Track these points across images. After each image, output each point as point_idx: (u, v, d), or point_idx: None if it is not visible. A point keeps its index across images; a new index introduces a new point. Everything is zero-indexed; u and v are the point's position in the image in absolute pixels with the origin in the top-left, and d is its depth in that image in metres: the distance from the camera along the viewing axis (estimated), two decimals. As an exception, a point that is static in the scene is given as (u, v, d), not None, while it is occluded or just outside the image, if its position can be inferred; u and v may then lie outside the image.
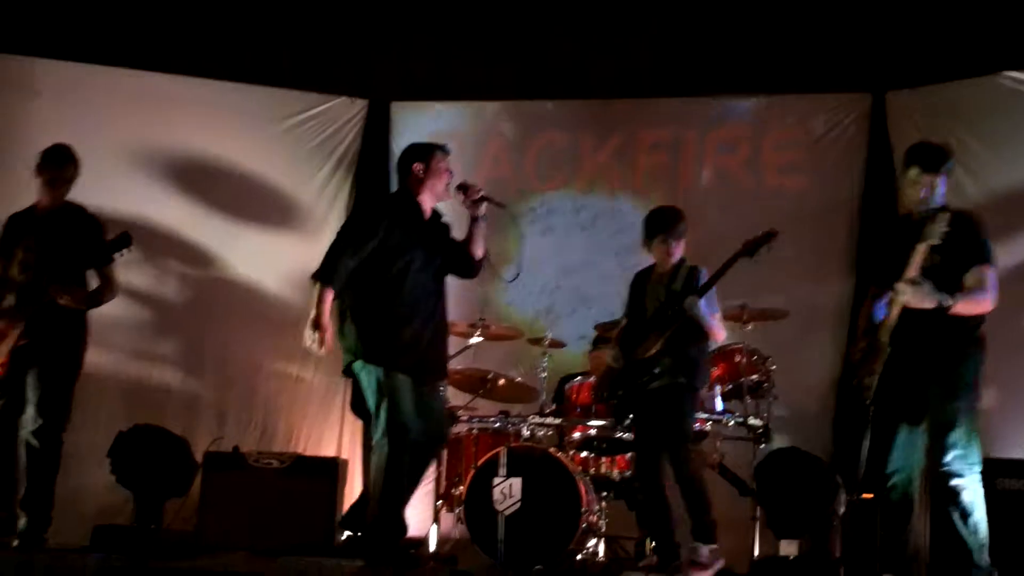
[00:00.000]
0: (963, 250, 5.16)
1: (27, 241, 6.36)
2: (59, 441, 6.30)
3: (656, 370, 6.05)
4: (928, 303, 5.08)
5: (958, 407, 5.20)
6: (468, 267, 6.04)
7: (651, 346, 6.09)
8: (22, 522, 6.24)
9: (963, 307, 5.14)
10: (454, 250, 5.97)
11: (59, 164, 6.47)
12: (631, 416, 6.27)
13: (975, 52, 7.84)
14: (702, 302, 6.01)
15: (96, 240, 6.34)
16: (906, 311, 5.19)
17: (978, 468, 5.22)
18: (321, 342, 5.48)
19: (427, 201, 5.88)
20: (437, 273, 5.88)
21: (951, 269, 5.16)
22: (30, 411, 6.21)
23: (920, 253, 5.12)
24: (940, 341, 5.20)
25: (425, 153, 5.92)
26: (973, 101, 7.83)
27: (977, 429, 5.26)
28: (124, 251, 6.28)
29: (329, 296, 5.52)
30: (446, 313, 5.94)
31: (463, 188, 5.96)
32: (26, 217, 6.50)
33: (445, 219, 6.03)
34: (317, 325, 5.47)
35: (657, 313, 6.15)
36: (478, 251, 5.99)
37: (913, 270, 5.12)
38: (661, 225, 6.26)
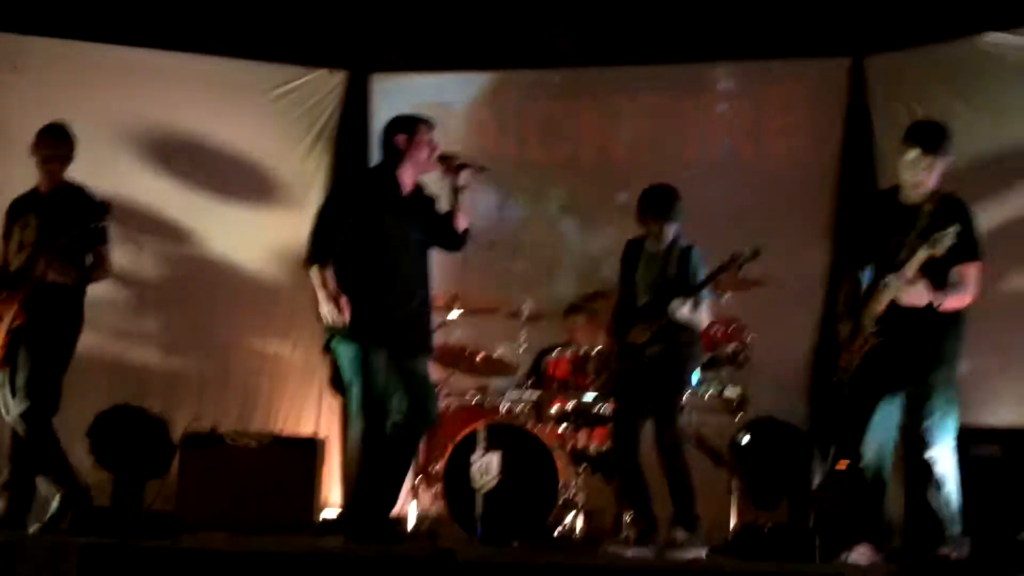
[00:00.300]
0: (957, 245, 5.09)
1: (26, 220, 6.33)
2: (46, 424, 6.24)
3: (645, 355, 6.06)
4: (918, 301, 5.11)
5: (936, 377, 5.24)
6: (453, 240, 5.99)
7: (641, 335, 6.09)
8: (1, 505, 6.25)
9: (950, 304, 5.18)
10: (438, 223, 5.93)
11: (53, 142, 6.44)
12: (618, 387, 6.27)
13: (955, 14, 7.73)
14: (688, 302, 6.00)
15: (86, 220, 6.25)
16: (892, 304, 5.22)
17: (953, 439, 5.22)
18: (340, 311, 5.47)
19: (408, 174, 5.83)
20: (419, 247, 5.84)
21: (942, 261, 5.14)
22: (17, 394, 6.19)
23: (920, 260, 5.09)
24: (922, 320, 5.21)
25: (408, 125, 5.86)
26: (954, 64, 7.74)
27: (955, 402, 5.26)
28: (102, 223, 6.23)
29: (329, 273, 5.52)
30: (430, 287, 5.90)
31: (443, 158, 5.89)
32: (28, 199, 6.47)
33: (429, 192, 5.99)
34: (331, 298, 5.48)
35: (648, 305, 6.14)
36: (462, 222, 5.94)
37: (911, 271, 5.11)
38: (657, 204, 6.22)
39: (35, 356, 6.18)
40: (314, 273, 5.54)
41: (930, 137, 5.36)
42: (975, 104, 7.62)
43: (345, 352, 5.63)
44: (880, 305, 5.27)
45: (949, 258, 5.12)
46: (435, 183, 6.07)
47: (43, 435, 6.22)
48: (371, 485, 5.63)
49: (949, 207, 5.25)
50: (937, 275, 5.18)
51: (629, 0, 8.58)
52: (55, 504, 6.20)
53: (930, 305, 5.16)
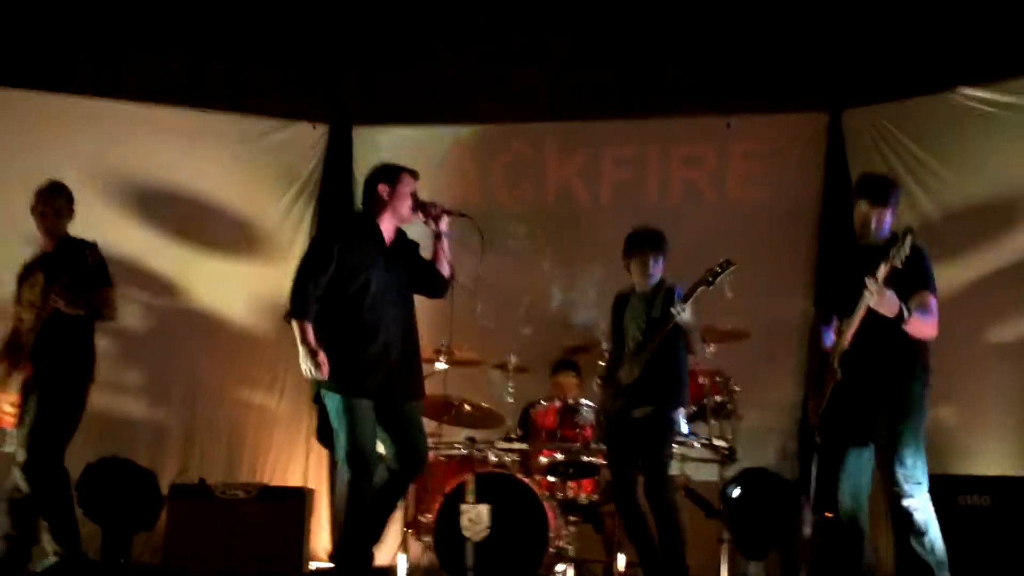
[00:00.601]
0: (909, 276, 5.23)
1: (33, 280, 6.35)
2: (48, 475, 6.17)
3: (635, 397, 6.13)
4: (891, 309, 5.16)
5: (904, 429, 5.28)
6: (435, 286, 6.01)
7: (630, 374, 6.16)
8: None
9: (914, 324, 5.23)
10: (420, 270, 5.96)
11: (48, 199, 6.45)
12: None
13: (929, 69, 7.93)
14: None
15: (86, 264, 6.30)
16: (857, 338, 5.30)
17: (926, 486, 5.28)
18: (319, 367, 5.51)
19: (389, 223, 5.86)
20: (401, 294, 5.86)
21: (897, 293, 5.22)
22: (20, 444, 6.15)
23: (883, 272, 5.16)
24: (888, 365, 5.32)
25: (391, 175, 5.90)
26: (927, 118, 7.91)
27: (923, 449, 5.32)
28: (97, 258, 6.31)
29: (308, 327, 5.54)
30: (415, 334, 5.91)
31: (422, 207, 5.91)
32: (34, 259, 6.50)
33: (411, 238, 6.02)
34: (310, 354, 5.51)
35: (634, 345, 6.24)
36: (444, 269, 5.97)
37: (880, 279, 5.17)
38: (642, 245, 6.34)
39: (41, 403, 6.15)
40: (295, 327, 5.57)
41: (876, 190, 5.53)
42: (949, 156, 7.80)
43: (331, 402, 5.65)
44: (845, 341, 5.35)
45: (904, 289, 5.21)
46: (419, 229, 6.12)
47: (47, 486, 6.17)
48: (360, 534, 5.64)
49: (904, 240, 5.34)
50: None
51: (621, 56, 8.74)
52: (48, 561, 6.17)
53: (893, 340, 5.24)
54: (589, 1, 8.89)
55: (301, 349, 5.52)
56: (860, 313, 5.27)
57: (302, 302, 5.59)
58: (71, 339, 6.27)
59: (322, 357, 5.51)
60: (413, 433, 5.81)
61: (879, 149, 7.99)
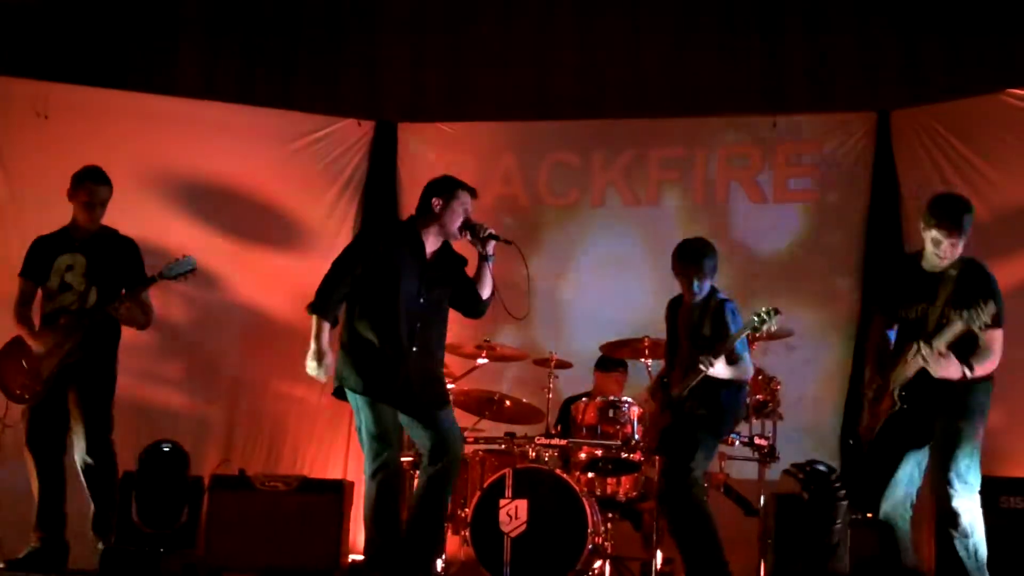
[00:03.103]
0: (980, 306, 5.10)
1: (70, 262, 6.43)
2: (112, 454, 6.44)
3: (682, 414, 6.12)
4: (953, 375, 5.14)
5: (963, 428, 5.25)
6: (473, 307, 5.89)
7: (679, 389, 6.13)
8: (100, 545, 6.37)
9: (979, 373, 5.20)
10: (461, 288, 5.85)
11: (97, 186, 6.53)
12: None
13: (978, 71, 7.88)
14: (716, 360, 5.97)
15: (136, 264, 6.50)
16: (921, 371, 5.25)
17: (977, 490, 5.25)
18: (321, 368, 5.52)
19: (435, 236, 5.75)
20: (431, 307, 5.72)
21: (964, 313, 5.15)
22: (79, 432, 6.33)
23: (955, 333, 5.11)
24: (952, 392, 5.25)
25: (447, 188, 5.76)
26: (976, 119, 7.85)
27: (978, 454, 5.29)
28: (188, 275, 6.50)
29: (325, 326, 5.54)
30: (438, 348, 5.79)
31: (470, 227, 5.75)
32: (61, 240, 6.54)
33: (456, 254, 5.89)
34: (317, 354, 5.51)
35: (685, 360, 6.17)
36: (484, 291, 5.82)
37: (943, 344, 5.13)
38: (690, 259, 6.20)
39: (88, 394, 6.34)
40: (312, 321, 5.54)
41: (952, 215, 5.31)
42: (998, 158, 7.73)
43: (351, 400, 5.63)
44: (909, 371, 5.29)
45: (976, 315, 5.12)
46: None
47: (110, 467, 6.41)
48: (385, 527, 5.60)
49: (974, 274, 5.29)
50: (963, 343, 5.19)
51: (667, 55, 8.72)
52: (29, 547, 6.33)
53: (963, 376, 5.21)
54: (635, -1, 8.89)
55: (312, 344, 5.51)
56: (914, 368, 5.23)
57: (325, 299, 5.56)
58: (108, 338, 6.47)
59: (329, 359, 5.52)
60: (442, 429, 5.66)
61: (927, 150, 7.92)
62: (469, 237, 5.79)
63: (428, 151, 8.87)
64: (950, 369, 5.13)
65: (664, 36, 8.76)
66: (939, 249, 5.31)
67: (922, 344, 5.14)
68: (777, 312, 6.04)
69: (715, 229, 8.07)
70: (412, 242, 5.71)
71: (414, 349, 5.59)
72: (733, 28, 8.68)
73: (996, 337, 5.25)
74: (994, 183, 7.69)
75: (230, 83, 8.88)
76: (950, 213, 5.32)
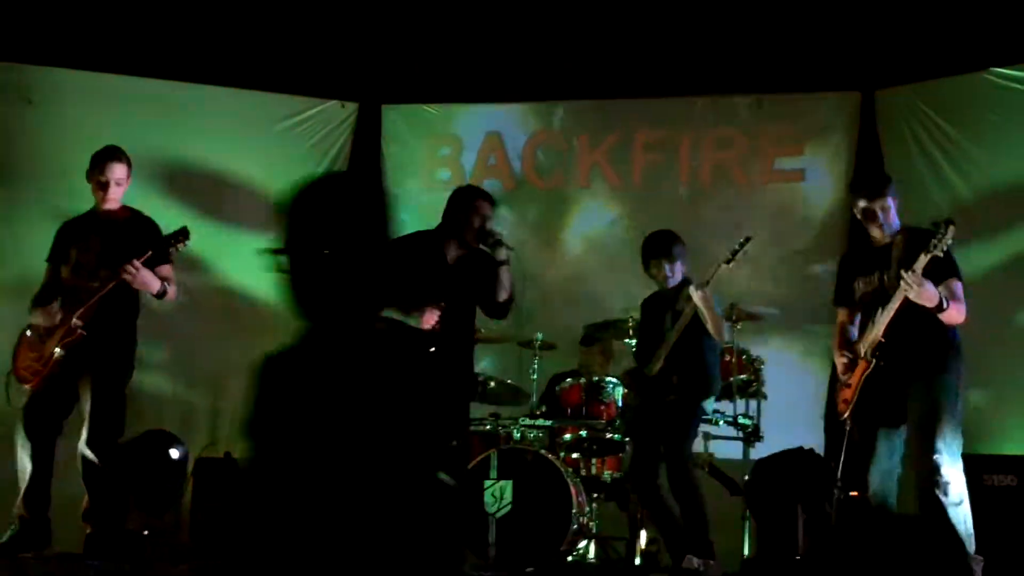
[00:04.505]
0: (938, 264, 5.25)
1: (86, 243, 6.34)
2: (115, 449, 6.29)
3: (660, 388, 6.17)
4: (931, 299, 5.19)
5: (942, 403, 5.32)
6: (491, 308, 6.23)
7: (656, 363, 6.16)
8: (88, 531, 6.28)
9: (949, 313, 5.27)
10: (485, 289, 6.11)
11: (107, 163, 6.45)
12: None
13: (962, 49, 7.85)
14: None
15: (154, 244, 6.35)
16: (890, 328, 5.30)
17: (960, 463, 5.30)
18: None
19: (456, 244, 6.07)
20: (454, 313, 6.01)
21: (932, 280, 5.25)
22: (85, 421, 6.21)
23: (922, 263, 5.19)
24: (923, 352, 5.34)
25: (469, 199, 6.13)
26: (961, 98, 7.86)
27: (959, 429, 5.34)
28: (182, 243, 6.37)
29: None
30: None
31: (483, 235, 6.08)
32: (85, 222, 6.47)
33: (486, 257, 6.16)
34: None
35: (660, 340, 6.28)
36: (500, 295, 6.12)
37: (919, 270, 5.19)
38: (657, 250, 6.36)
39: (97, 382, 6.20)
40: None
41: (868, 182, 5.65)
42: (983, 137, 7.75)
43: None
44: (879, 330, 5.36)
45: (937, 275, 5.25)
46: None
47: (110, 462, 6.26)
48: None
49: (919, 233, 5.37)
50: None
51: (652, 36, 8.66)
52: (12, 528, 6.23)
53: (926, 330, 5.27)
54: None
55: None
56: (896, 305, 5.26)
57: None
58: (121, 324, 6.35)
59: None
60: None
61: (912, 129, 7.93)
62: (483, 244, 6.11)
63: (412, 133, 8.85)
64: (929, 294, 5.18)
65: (647, 15, 8.72)
66: (875, 221, 5.46)
67: (904, 273, 5.19)
68: (748, 239, 6.31)
69: (700, 210, 8.09)
70: (435, 252, 6.02)
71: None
72: (717, 6, 8.64)
73: (959, 286, 5.37)
74: (977, 162, 7.70)
75: (213, 65, 8.82)
76: (866, 181, 5.71)
